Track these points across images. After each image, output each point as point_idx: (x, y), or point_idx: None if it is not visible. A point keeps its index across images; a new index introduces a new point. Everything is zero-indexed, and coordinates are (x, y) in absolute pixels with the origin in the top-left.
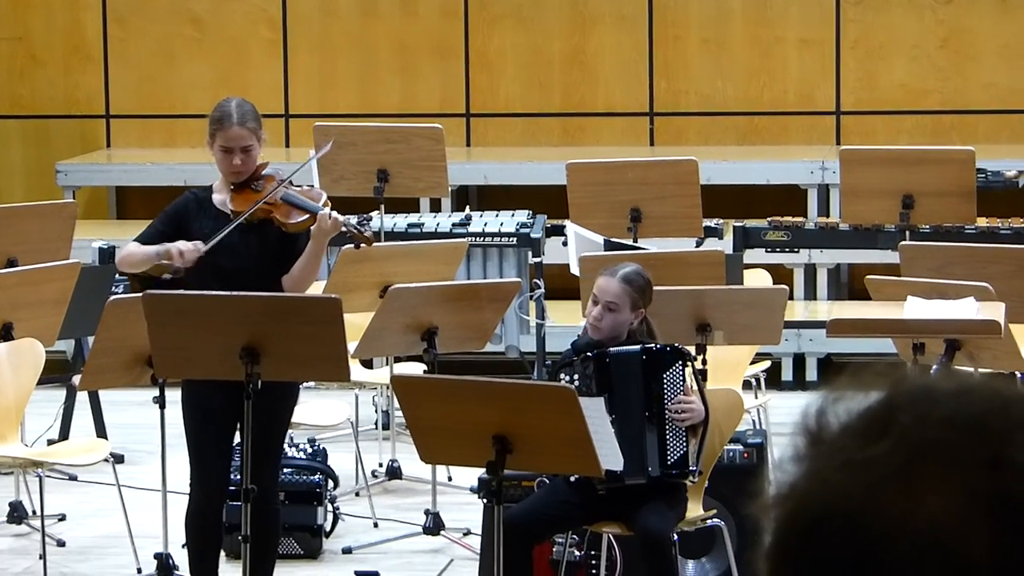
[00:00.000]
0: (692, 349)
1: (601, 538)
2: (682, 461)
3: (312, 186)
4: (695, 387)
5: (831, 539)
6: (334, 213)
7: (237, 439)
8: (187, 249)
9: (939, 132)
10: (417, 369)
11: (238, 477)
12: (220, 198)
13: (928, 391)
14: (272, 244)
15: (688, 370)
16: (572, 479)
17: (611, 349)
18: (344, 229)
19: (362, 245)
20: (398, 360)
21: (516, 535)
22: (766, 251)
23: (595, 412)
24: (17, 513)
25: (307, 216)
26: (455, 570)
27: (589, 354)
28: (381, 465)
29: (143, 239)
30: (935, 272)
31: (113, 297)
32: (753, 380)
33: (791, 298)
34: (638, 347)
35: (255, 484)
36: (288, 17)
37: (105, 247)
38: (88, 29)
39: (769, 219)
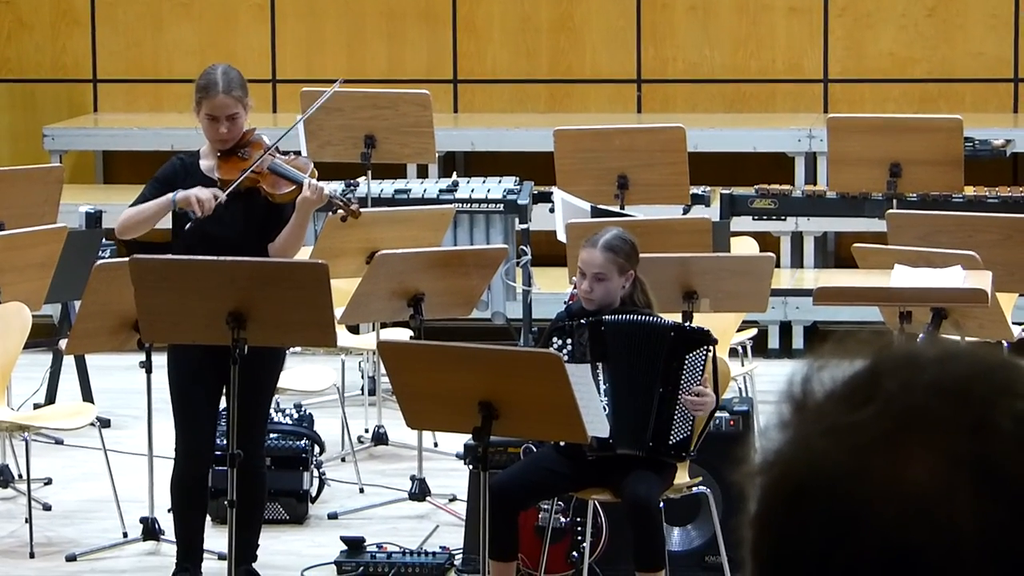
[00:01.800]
0: (679, 317)
1: (587, 505)
2: (683, 444)
3: (299, 153)
4: (711, 374)
5: (816, 505)
6: (320, 184)
7: (222, 404)
8: (206, 197)
9: (926, 101)
10: (403, 335)
11: (223, 442)
12: (207, 164)
13: (913, 358)
14: (258, 212)
15: (709, 355)
16: (561, 445)
17: (606, 317)
18: (331, 200)
19: (348, 218)
20: (384, 326)
21: (501, 501)
22: (753, 219)
23: (581, 379)
24: (3, 477)
25: (294, 187)
26: (440, 536)
27: (583, 321)
28: (367, 431)
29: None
30: (922, 240)
31: (100, 262)
32: (739, 348)
33: (778, 266)
34: (669, 322)
35: (240, 450)
36: None
37: (92, 211)
38: None
39: (756, 187)
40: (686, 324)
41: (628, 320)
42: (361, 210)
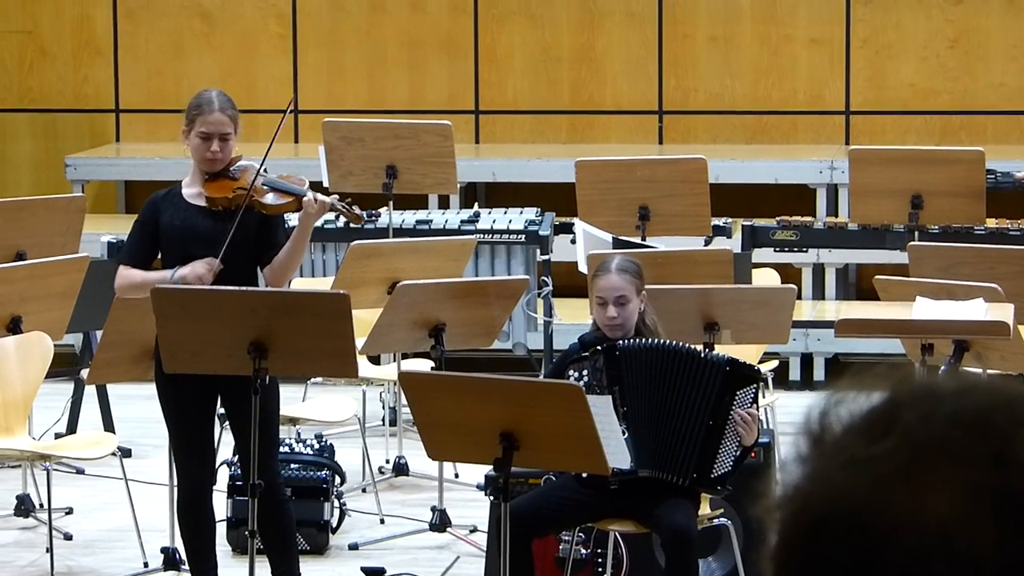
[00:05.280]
0: (700, 348)
1: (608, 536)
2: (724, 477)
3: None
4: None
5: (836, 538)
6: (319, 195)
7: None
8: (204, 273)
9: (948, 132)
10: (424, 366)
11: (236, 471)
12: (191, 192)
13: (931, 390)
14: (248, 233)
15: (758, 393)
16: (584, 476)
17: (619, 342)
18: (333, 208)
19: (351, 222)
20: (405, 356)
21: (515, 526)
22: (774, 250)
23: (603, 410)
24: (24, 506)
25: (290, 199)
26: (461, 567)
27: (598, 348)
28: (388, 461)
29: (130, 258)
30: (943, 272)
31: None
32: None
33: (799, 297)
34: (725, 355)
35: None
36: (297, 12)
37: (114, 241)
38: (97, 23)
39: (778, 218)
40: (740, 360)
41: (647, 345)
42: (363, 213)
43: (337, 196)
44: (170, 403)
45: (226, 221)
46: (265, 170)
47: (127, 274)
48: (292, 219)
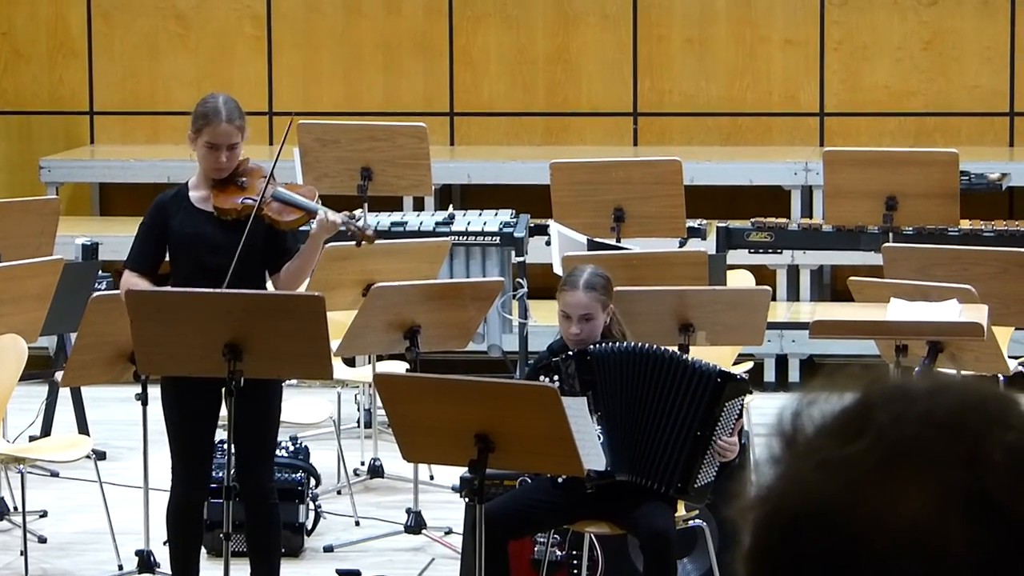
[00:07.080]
0: (675, 349)
1: (583, 538)
2: (705, 489)
3: (298, 186)
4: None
5: (809, 538)
6: (330, 213)
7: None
8: None
9: (922, 134)
10: (400, 367)
11: (220, 475)
12: (198, 195)
13: (904, 390)
14: (257, 240)
15: (745, 404)
16: (560, 480)
17: (590, 347)
18: (345, 228)
19: (363, 243)
20: (380, 358)
21: (490, 528)
22: (749, 252)
23: (578, 412)
24: None
25: (301, 214)
26: (436, 569)
27: (569, 353)
28: (363, 463)
29: (136, 264)
30: (918, 274)
31: (96, 294)
32: None
33: (774, 299)
34: (715, 366)
35: (250, 482)
36: (272, 14)
37: (88, 243)
38: (72, 24)
39: (752, 220)
40: (730, 372)
41: (620, 348)
42: (375, 233)
43: (348, 213)
44: (174, 411)
45: (236, 229)
46: (273, 177)
47: (135, 283)
48: None
